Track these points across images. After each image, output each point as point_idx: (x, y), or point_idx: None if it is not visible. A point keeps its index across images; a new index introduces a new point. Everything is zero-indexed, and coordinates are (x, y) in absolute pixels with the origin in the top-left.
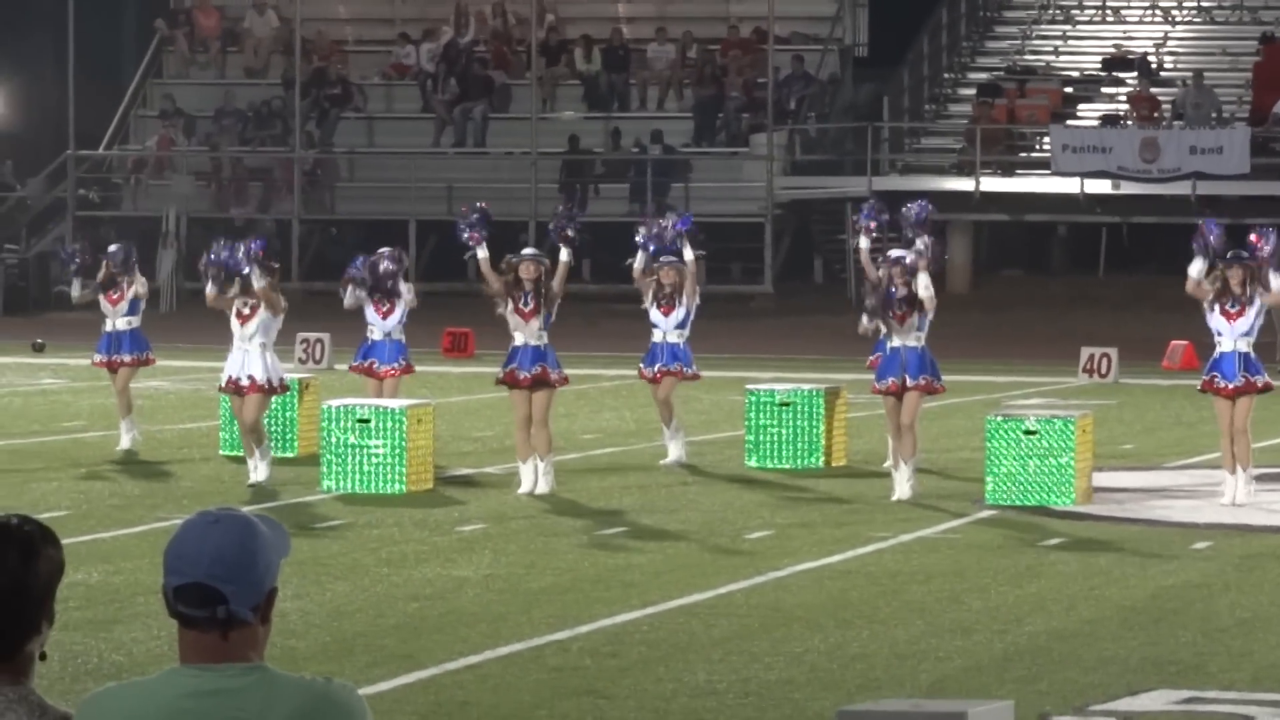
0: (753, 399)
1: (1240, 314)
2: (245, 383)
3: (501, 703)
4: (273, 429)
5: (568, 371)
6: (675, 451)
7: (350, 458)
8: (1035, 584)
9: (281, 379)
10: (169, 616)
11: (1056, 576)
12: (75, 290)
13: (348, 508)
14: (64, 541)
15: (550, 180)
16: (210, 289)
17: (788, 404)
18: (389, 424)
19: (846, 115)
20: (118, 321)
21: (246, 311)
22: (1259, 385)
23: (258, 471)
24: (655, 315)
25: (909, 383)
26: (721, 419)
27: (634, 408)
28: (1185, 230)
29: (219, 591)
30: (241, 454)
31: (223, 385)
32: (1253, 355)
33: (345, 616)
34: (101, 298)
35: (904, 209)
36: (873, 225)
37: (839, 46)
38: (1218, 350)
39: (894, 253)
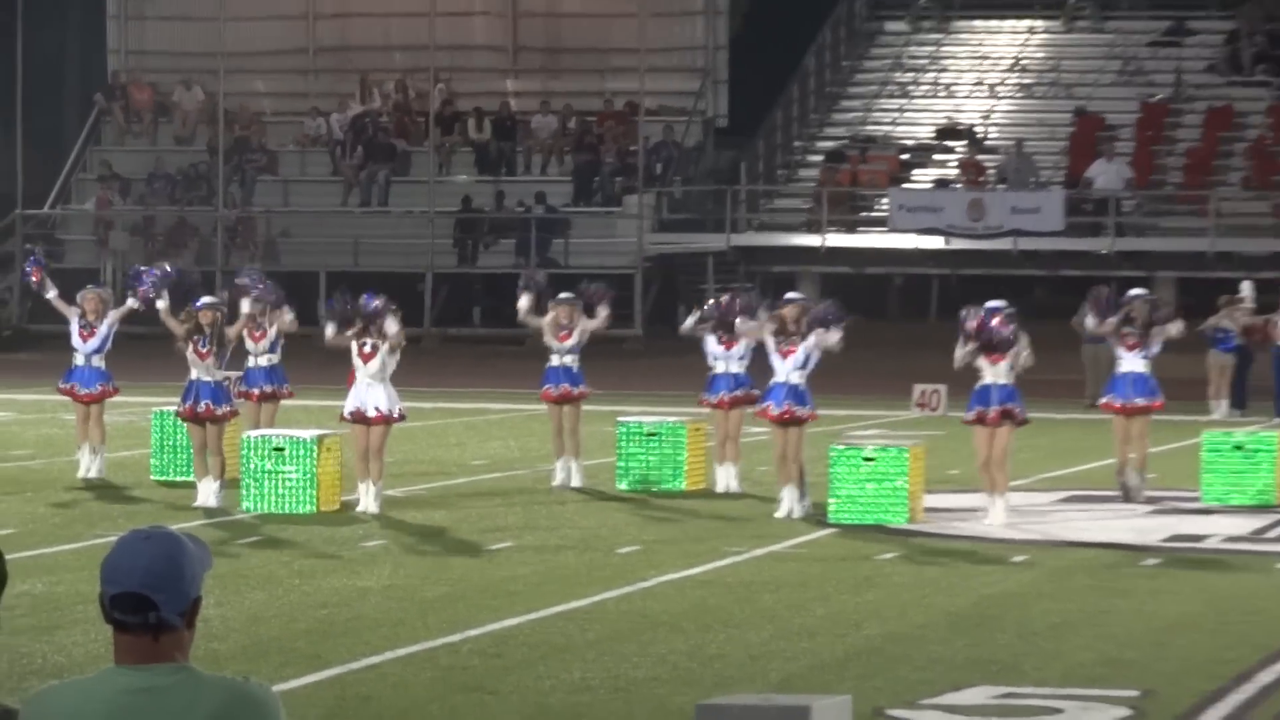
0: (623, 429)
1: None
2: (371, 414)
3: (399, 699)
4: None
5: (456, 406)
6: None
7: (267, 482)
8: (872, 592)
9: (400, 410)
10: (105, 622)
11: (890, 586)
12: (329, 332)
13: (264, 526)
14: (10, 556)
15: (445, 236)
16: (331, 330)
17: (654, 434)
18: (301, 452)
19: (708, 179)
20: (259, 359)
21: (368, 350)
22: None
23: (370, 502)
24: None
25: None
26: (595, 447)
27: (518, 437)
28: (1007, 280)
29: (150, 600)
30: (171, 479)
31: (347, 415)
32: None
33: (261, 622)
34: (246, 335)
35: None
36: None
37: (702, 118)
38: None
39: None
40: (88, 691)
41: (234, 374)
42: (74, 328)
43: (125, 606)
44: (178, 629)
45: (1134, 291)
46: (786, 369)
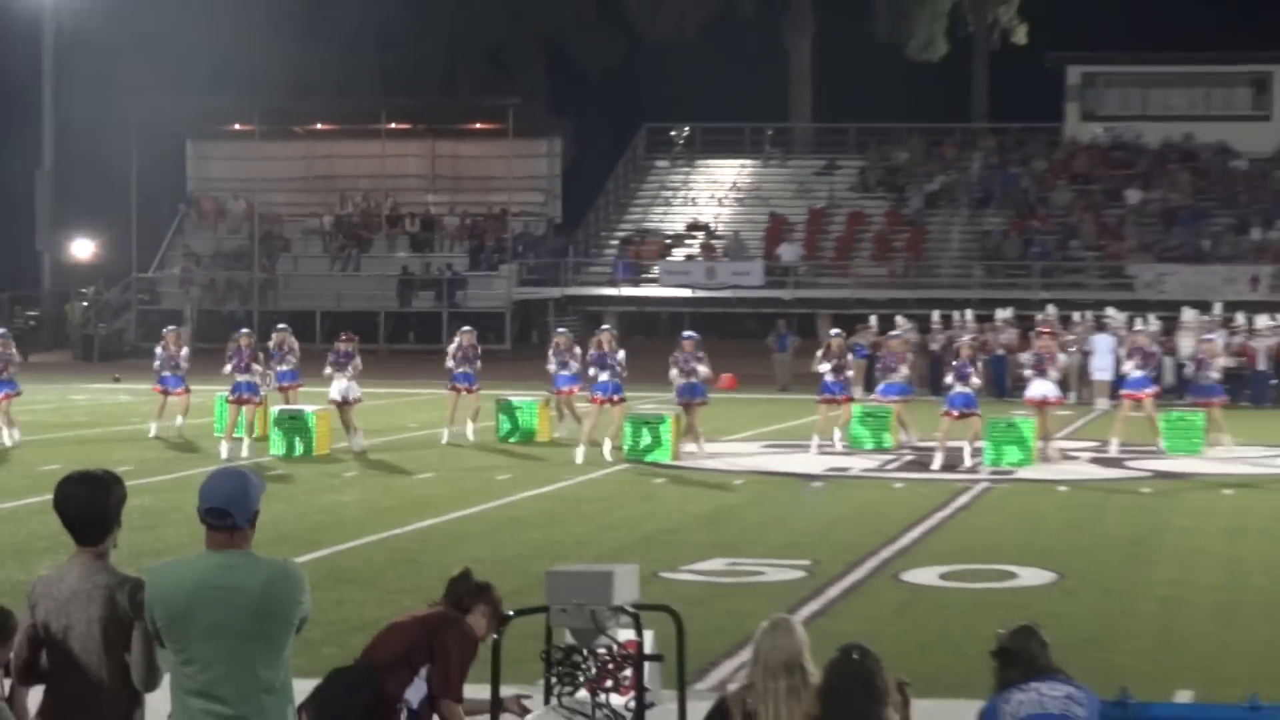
0: (501, 405)
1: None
2: (350, 399)
3: (366, 568)
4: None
5: (399, 391)
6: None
7: (287, 436)
8: (651, 503)
9: (359, 395)
10: (200, 523)
11: (662, 499)
12: (328, 370)
13: (285, 464)
14: (128, 482)
15: (391, 289)
16: (329, 370)
17: (519, 407)
18: (307, 418)
19: (550, 254)
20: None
21: (344, 368)
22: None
23: (359, 442)
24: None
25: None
26: (485, 416)
27: (437, 410)
28: (729, 316)
29: (229, 511)
30: (225, 435)
31: (333, 399)
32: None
33: (282, 522)
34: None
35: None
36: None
37: (546, 218)
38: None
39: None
40: (190, 565)
41: (270, 372)
42: (160, 353)
43: (213, 515)
44: (245, 529)
45: (833, 331)
46: (607, 375)
